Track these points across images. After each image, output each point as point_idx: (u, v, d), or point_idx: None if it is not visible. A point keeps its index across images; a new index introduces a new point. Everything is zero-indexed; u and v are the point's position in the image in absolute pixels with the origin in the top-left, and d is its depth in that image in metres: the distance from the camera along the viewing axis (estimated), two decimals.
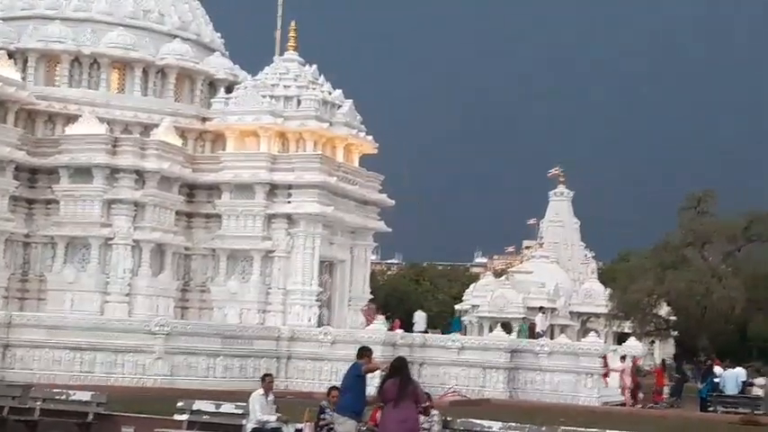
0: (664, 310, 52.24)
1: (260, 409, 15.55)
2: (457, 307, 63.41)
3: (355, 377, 12.78)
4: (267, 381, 16.27)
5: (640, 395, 33.09)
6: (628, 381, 32.65)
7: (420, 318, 44.49)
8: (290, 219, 35.56)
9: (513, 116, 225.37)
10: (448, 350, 31.90)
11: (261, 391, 15.94)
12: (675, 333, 56.75)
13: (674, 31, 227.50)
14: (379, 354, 23.12)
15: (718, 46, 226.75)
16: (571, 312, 59.90)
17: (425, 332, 39.04)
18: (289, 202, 35.77)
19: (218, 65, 40.18)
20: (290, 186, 35.78)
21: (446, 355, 31.81)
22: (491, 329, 44.36)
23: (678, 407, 32.84)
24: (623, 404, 31.92)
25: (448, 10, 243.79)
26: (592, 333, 35.93)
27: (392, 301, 69.46)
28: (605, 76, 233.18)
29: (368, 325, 34.35)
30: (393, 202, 40.64)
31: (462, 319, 59.49)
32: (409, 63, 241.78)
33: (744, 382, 32.51)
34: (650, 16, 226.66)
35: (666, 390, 36.25)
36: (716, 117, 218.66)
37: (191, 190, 36.98)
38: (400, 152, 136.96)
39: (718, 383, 31.76)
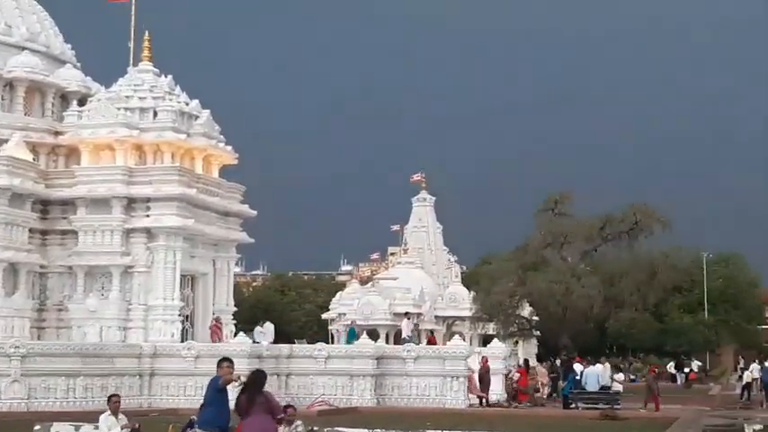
0: (526, 310, 53.41)
1: (107, 430, 15.29)
2: (324, 316, 63.31)
3: (215, 391, 12.54)
4: (113, 401, 16.05)
5: (493, 397, 33.24)
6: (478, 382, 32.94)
7: (268, 329, 43.81)
8: (149, 233, 34.77)
9: (375, 122, 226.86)
10: (315, 360, 31.80)
11: (108, 412, 15.69)
12: (538, 333, 58.08)
13: (531, 33, 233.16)
14: (245, 366, 22.81)
15: (570, 44, 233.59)
16: (437, 317, 60.54)
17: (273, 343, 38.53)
18: (147, 215, 34.96)
19: (70, 77, 39.03)
20: (148, 200, 34.98)
21: (313, 365, 31.71)
22: (358, 337, 44.34)
23: (543, 405, 33.45)
24: (491, 405, 32.36)
25: (305, 16, 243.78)
26: (456, 336, 36.31)
27: (258, 313, 68.69)
28: (465, 83, 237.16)
29: (215, 341, 33.98)
30: (255, 212, 40.21)
31: (330, 327, 59.42)
32: (268, 71, 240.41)
33: (610, 378, 33.43)
34: (495, 20, 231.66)
35: (547, 389, 37.05)
36: (570, 120, 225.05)
37: (44, 206, 35.72)
38: (262, 162, 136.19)
39: (579, 380, 32.53)
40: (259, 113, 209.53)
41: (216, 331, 35.44)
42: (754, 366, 45.68)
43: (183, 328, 35.54)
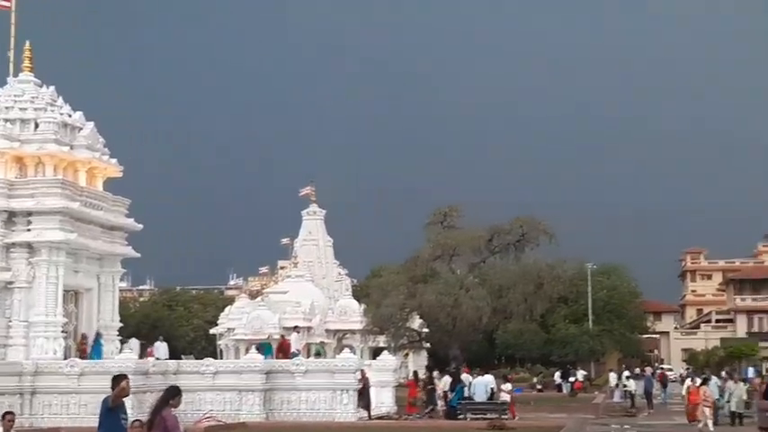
0: (416, 322, 53.71)
1: None
2: (212, 331, 62.50)
3: (105, 411, 12.25)
4: (7, 419, 15.41)
5: (383, 410, 33.35)
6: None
7: (160, 347, 43.12)
8: (30, 247, 33.76)
9: (266, 136, 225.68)
10: (202, 375, 31.34)
11: (1, 430, 15.06)
12: (428, 345, 58.48)
13: (413, 60, 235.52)
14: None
15: (455, 58, 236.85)
16: (327, 330, 60.38)
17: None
18: (29, 229, 33.94)
19: None
20: (29, 213, 33.97)
21: (201, 380, 31.23)
22: (247, 351, 43.88)
23: (433, 416, 33.59)
24: (381, 417, 32.39)
25: (195, 30, 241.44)
26: (346, 349, 36.26)
27: (145, 329, 67.58)
28: (351, 93, 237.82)
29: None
30: (141, 226, 39.41)
31: (218, 342, 58.62)
32: (152, 85, 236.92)
33: (493, 389, 33.78)
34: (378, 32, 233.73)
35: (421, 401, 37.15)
36: (456, 133, 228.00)
37: None
38: (149, 175, 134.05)
39: (467, 391, 32.82)
40: (147, 125, 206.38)
41: (83, 349, 34.60)
42: (626, 375, 47.31)
43: (66, 344, 34.57)
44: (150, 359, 33.22)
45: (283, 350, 37.90)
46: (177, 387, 12.55)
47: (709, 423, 28.86)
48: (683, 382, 39.72)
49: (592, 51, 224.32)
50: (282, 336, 44.73)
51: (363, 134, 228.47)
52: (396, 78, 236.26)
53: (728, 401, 31.99)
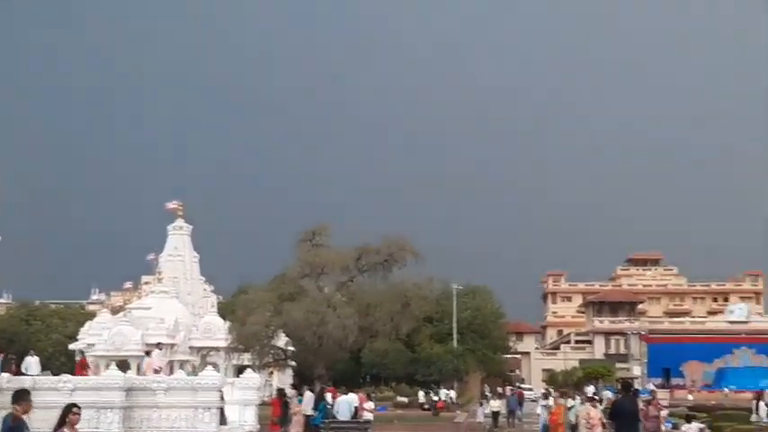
0: (282, 340, 53.41)
1: None
2: (71, 346, 60.75)
3: (8, 429, 11.75)
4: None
5: (246, 428, 33.08)
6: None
7: (32, 362, 41.81)
8: None
9: (129, 148, 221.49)
10: (59, 392, 30.32)
11: None
12: (293, 363, 58.21)
13: (281, 79, 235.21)
14: None
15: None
16: (191, 347, 59.47)
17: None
18: None
19: None
20: None
21: (58, 396, 30.19)
22: (107, 368, 42.80)
23: None
24: None
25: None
26: (209, 367, 35.69)
27: (1, 343, 65.13)
28: (221, 110, 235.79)
29: None
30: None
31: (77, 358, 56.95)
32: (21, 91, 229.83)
33: (357, 408, 33.81)
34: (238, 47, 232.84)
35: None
36: (323, 151, 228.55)
37: None
38: (5, 184, 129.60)
39: (330, 410, 32.76)
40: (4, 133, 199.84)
41: None
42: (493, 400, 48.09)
43: None
44: (5, 375, 31.98)
45: (84, 367, 36.88)
46: (73, 404, 12.15)
47: None
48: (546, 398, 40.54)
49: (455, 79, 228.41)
50: (82, 352, 43.25)
51: (234, 152, 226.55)
52: (264, 96, 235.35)
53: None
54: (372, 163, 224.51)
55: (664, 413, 28.03)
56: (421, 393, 62.42)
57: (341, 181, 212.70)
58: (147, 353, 36.35)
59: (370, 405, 35.26)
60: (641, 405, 25.82)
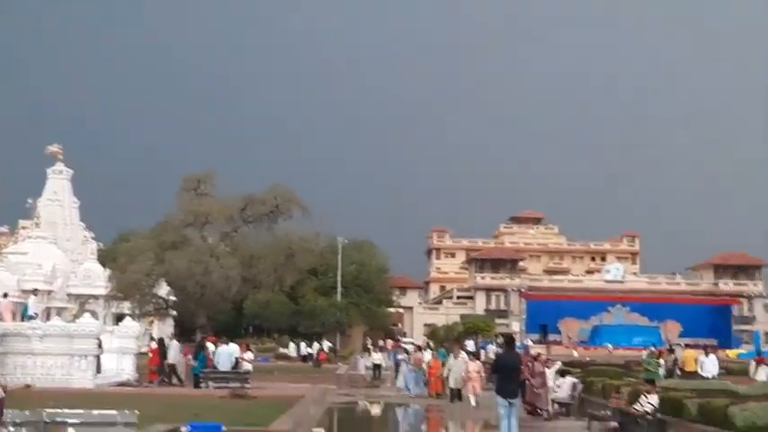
0: (163, 289, 52.72)
1: None
2: None
3: None
4: None
5: (124, 377, 32.61)
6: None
7: None
8: None
9: (7, 89, 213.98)
10: None
11: None
12: (175, 312, 57.59)
13: (164, 33, 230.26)
14: None
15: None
16: (69, 294, 58.27)
17: None
18: None
19: None
20: None
21: None
22: None
23: (168, 384, 32.95)
24: (122, 384, 31.58)
25: None
26: (87, 314, 35.01)
27: None
28: (109, 58, 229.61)
29: None
30: None
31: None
32: None
33: (239, 358, 33.66)
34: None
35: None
36: (215, 103, 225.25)
37: None
38: None
39: (212, 359, 32.53)
40: None
41: None
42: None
43: None
44: None
45: None
46: None
47: (472, 398, 29.80)
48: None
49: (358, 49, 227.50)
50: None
51: (120, 101, 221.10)
52: (147, 38, 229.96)
53: (447, 377, 32.70)
54: (262, 114, 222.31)
55: (554, 368, 28.50)
56: (303, 345, 62.46)
57: (227, 130, 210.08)
58: (5, 295, 35.33)
59: (249, 355, 35.15)
60: (527, 361, 26.36)
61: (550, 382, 27.41)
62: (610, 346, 79.14)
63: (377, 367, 47.91)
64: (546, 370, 27.34)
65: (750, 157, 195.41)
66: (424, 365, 36.52)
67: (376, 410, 31.51)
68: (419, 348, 39.71)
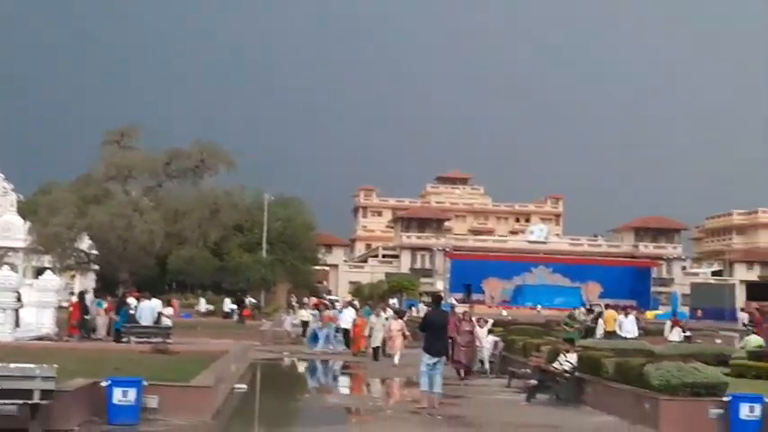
0: (85, 243, 51.92)
1: None
2: None
3: None
4: None
5: (43, 330, 32.19)
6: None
7: None
8: None
9: None
10: None
11: None
12: (96, 266, 56.83)
13: None
14: None
15: None
16: None
17: None
18: None
19: None
20: None
21: None
22: None
23: (88, 339, 32.57)
24: (41, 338, 31.09)
25: None
26: (6, 267, 34.31)
27: None
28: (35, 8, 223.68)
29: None
30: None
31: None
32: None
33: (160, 314, 33.36)
34: None
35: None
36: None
37: None
38: None
39: (133, 314, 32.17)
40: None
41: None
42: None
43: None
44: None
45: None
46: None
47: (396, 357, 29.96)
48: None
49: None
50: None
51: (39, 42, 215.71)
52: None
53: (370, 336, 32.88)
54: (188, 66, 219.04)
55: (486, 327, 28.60)
56: (227, 301, 62.10)
57: (154, 81, 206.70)
58: None
59: (168, 311, 34.88)
60: (454, 320, 26.59)
61: (484, 342, 27.72)
62: (539, 306, 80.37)
63: (305, 324, 47.59)
64: (478, 329, 27.60)
65: (659, 115, 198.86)
66: (341, 323, 36.68)
67: (298, 367, 31.59)
68: (328, 306, 39.45)
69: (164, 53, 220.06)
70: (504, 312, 71.92)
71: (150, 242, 47.58)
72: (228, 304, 60.84)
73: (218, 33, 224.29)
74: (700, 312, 76.05)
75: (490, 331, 29.27)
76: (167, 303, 36.88)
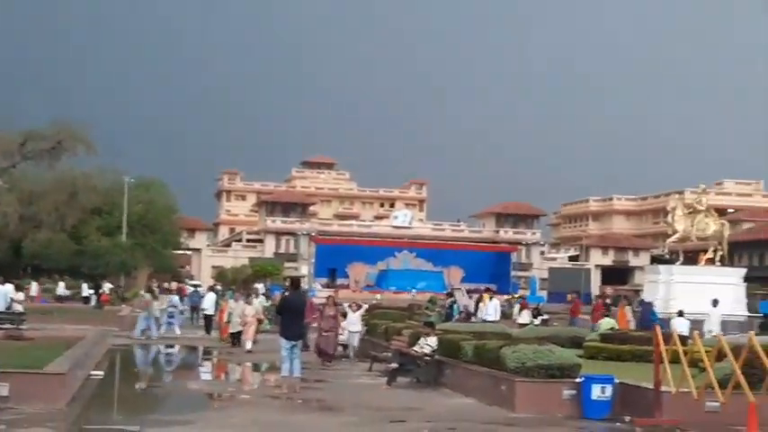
0: None
1: None
2: None
3: None
4: None
5: None
6: None
7: None
8: None
9: None
10: None
11: None
12: None
13: None
14: None
15: None
16: None
17: None
18: None
19: None
20: None
21: None
22: None
23: None
24: None
25: None
26: None
27: None
28: None
29: None
30: None
31: None
32: None
33: (12, 299, 32.38)
34: None
35: None
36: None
37: None
38: None
39: None
40: None
41: None
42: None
43: None
44: None
45: None
46: None
47: (248, 343, 29.67)
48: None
49: None
50: None
51: None
52: None
53: (229, 321, 32.56)
54: (49, 43, 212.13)
55: (359, 312, 28.39)
56: (84, 286, 60.51)
57: (12, 56, 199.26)
58: None
59: (19, 296, 33.80)
60: (316, 306, 26.55)
61: (355, 327, 27.55)
62: (414, 291, 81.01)
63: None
64: (351, 314, 27.58)
65: (519, 103, 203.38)
66: (155, 310, 35.94)
67: (157, 353, 31.08)
68: (150, 290, 38.59)
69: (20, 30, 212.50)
70: (379, 296, 72.34)
71: (4, 225, 46.24)
72: (86, 289, 59.32)
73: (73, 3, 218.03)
74: (570, 297, 78.13)
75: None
76: (19, 288, 35.71)
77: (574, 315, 38.12)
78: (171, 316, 38.12)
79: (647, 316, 32.96)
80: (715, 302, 30.11)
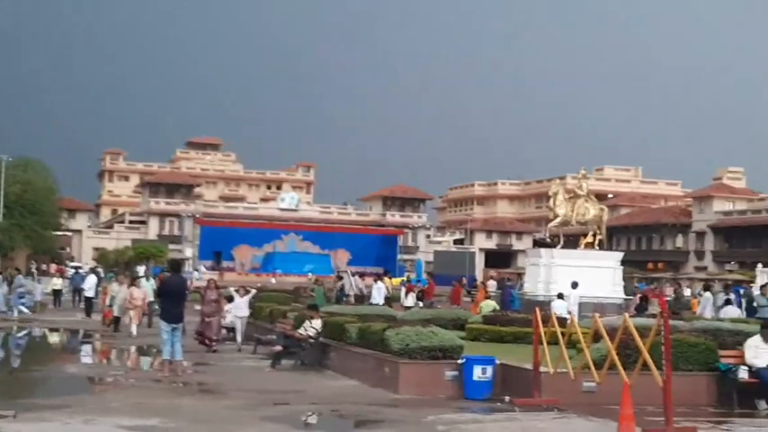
0: None
1: None
2: None
3: None
4: None
5: None
6: None
7: None
8: None
9: None
10: None
11: None
12: None
13: None
14: None
15: None
16: None
17: None
18: None
19: None
20: None
21: None
22: None
23: None
24: None
25: None
26: None
27: None
28: None
29: None
30: None
31: None
32: None
33: None
34: None
35: None
36: None
37: None
38: None
39: None
40: None
41: None
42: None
43: None
44: None
45: None
46: None
47: (133, 327, 29.07)
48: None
49: None
50: None
51: None
52: None
53: (111, 305, 31.54)
54: None
55: (247, 297, 27.77)
56: None
57: None
58: None
59: None
60: (199, 288, 26.13)
61: (245, 311, 26.84)
62: (311, 274, 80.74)
63: (57, 293, 45.51)
64: (238, 298, 27.03)
65: (410, 88, 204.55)
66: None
67: (35, 336, 30.33)
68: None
69: None
70: (273, 280, 71.97)
71: None
72: None
73: None
74: (464, 280, 79.02)
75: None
76: None
77: (454, 303, 38.57)
78: (21, 297, 37.46)
79: (507, 298, 34.17)
80: (574, 285, 30.75)
